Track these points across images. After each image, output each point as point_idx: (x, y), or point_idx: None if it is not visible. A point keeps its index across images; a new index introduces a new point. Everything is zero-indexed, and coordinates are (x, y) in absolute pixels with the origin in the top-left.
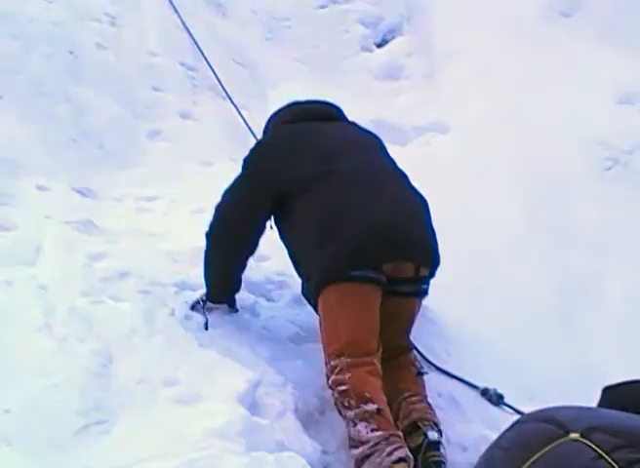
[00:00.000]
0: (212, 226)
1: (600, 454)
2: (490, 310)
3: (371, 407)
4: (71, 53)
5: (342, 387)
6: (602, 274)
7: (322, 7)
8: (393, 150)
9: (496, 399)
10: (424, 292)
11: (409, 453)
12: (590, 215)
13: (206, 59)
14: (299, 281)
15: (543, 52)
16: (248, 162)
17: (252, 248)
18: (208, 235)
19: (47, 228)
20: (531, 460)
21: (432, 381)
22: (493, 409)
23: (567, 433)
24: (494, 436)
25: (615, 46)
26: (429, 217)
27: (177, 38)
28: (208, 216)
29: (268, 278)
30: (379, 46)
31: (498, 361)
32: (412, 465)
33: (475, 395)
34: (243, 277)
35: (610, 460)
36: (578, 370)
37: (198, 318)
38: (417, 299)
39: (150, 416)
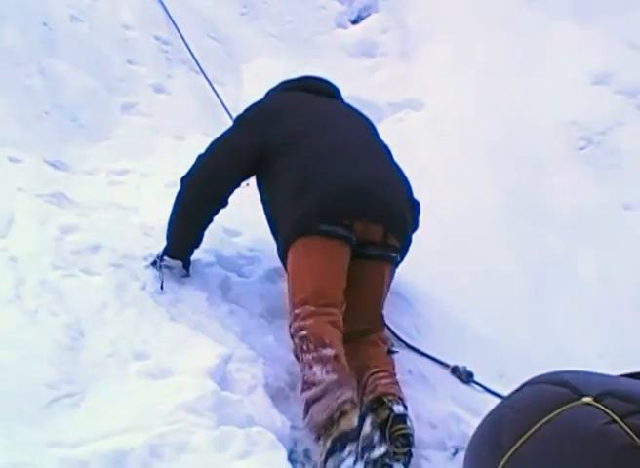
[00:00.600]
0: (190, 171)
1: (613, 419)
2: (462, 289)
3: (329, 351)
4: (45, 24)
5: (303, 333)
6: (576, 255)
7: None
8: None
9: (465, 376)
10: (393, 260)
11: (356, 398)
12: (564, 195)
13: (180, 34)
14: (270, 257)
15: (518, 31)
16: (240, 118)
17: (223, 201)
18: (184, 179)
19: (18, 200)
20: (541, 422)
21: (402, 359)
22: (462, 387)
23: (580, 396)
24: (463, 413)
25: (589, 26)
26: (409, 194)
27: (151, 12)
28: None
29: (240, 253)
30: (354, 22)
31: (468, 339)
32: (359, 409)
33: (445, 373)
34: (215, 252)
35: (623, 425)
36: (548, 350)
37: (170, 292)
38: (385, 265)
39: (121, 390)
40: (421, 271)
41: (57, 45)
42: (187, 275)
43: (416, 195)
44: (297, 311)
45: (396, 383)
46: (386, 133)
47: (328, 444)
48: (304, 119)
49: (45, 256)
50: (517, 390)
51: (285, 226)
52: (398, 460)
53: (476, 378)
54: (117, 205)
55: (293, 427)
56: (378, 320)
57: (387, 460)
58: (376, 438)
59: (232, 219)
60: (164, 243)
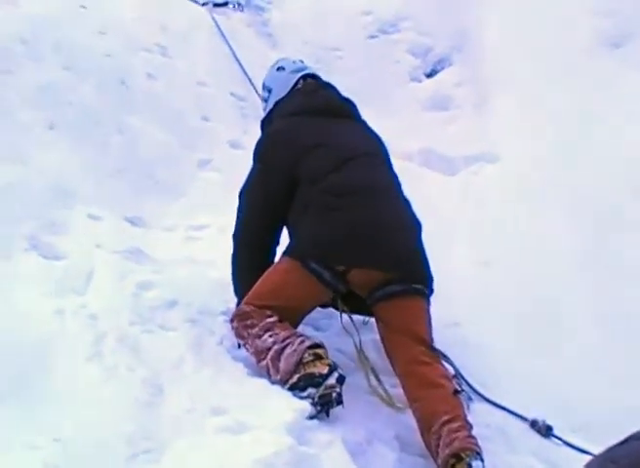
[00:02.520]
0: (237, 226)
1: None
2: (538, 341)
3: (273, 319)
4: (123, 83)
5: (245, 312)
6: None
7: (372, 37)
8: (442, 180)
9: (545, 430)
10: (418, 291)
11: (322, 344)
12: None
13: (255, 89)
14: None
15: (593, 82)
16: (259, 154)
17: (276, 241)
18: (234, 236)
19: (97, 257)
20: None
21: (480, 412)
22: (542, 441)
23: None
24: (542, 467)
25: None
26: (419, 237)
27: (226, 68)
28: None
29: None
30: (428, 76)
31: (545, 392)
32: (327, 352)
33: (523, 426)
34: None
35: None
36: (626, 404)
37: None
38: (411, 297)
39: (199, 445)
40: (492, 320)
41: (133, 103)
42: None
43: (490, 248)
44: (244, 305)
45: (472, 435)
46: (461, 185)
47: (294, 378)
48: (325, 155)
49: (123, 313)
50: (621, 443)
51: (293, 239)
52: None
53: (555, 432)
54: (194, 260)
55: None
56: (427, 351)
57: None
58: (334, 394)
59: None
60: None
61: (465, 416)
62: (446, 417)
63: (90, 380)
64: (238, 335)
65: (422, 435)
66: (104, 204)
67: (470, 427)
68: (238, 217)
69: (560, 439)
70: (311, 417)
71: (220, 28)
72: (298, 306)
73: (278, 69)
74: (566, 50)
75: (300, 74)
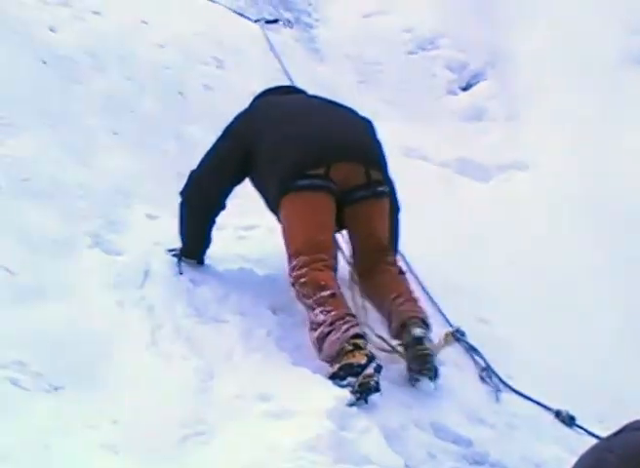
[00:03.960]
0: (185, 185)
1: None
2: (565, 337)
3: (325, 292)
4: (180, 93)
5: (302, 280)
6: None
7: (411, 53)
8: (476, 186)
9: (568, 420)
10: (381, 194)
11: (364, 331)
12: None
13: None
14: None
15: (620, 95)
16: (226, 128)
17: (221, 206)
18: (182, 193)
19: (155, 254)
20: None
21: (509, 402)
22: (565, 431)
23: None
24: (565, 455)
25: None
26: (375, 133)
27: (277, 80)
28: None
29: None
30: (464, 89)
31: (569, 384)
32: (367, 342)
33: (548, 416)
34: None
35: None
36: None
37: (291, 339)
38: (376, 201)
39: (246, 429)
40: (520, 320)
41: (191, 112)
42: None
43: (520, 250)
44: (294, 262)
45: (416, 303)
46: (494, 191)
47: (335, 367)
48: (277, 115)
49: (178, 305)
50: (617, 433)
51: (271, 194)
52: (424, 375)
53: (578, 422)
54: (244, 258)
55: (406, 465)
56: (384, 248)
57: (414, 374)
58: (372, 383)
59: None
60: (287, 295)
61: (411, 292)
62: (392, 296)
63: (147, 368)
64: (298, 297)
65: (380, 311)
66: (162, 204)
67: (416, 300)
68: (189, 176)
69: (583, 428)
70: (351, 404)
71: (271, 43)
72: (326, 224)
73: None
74: (595, 66)
75: None
